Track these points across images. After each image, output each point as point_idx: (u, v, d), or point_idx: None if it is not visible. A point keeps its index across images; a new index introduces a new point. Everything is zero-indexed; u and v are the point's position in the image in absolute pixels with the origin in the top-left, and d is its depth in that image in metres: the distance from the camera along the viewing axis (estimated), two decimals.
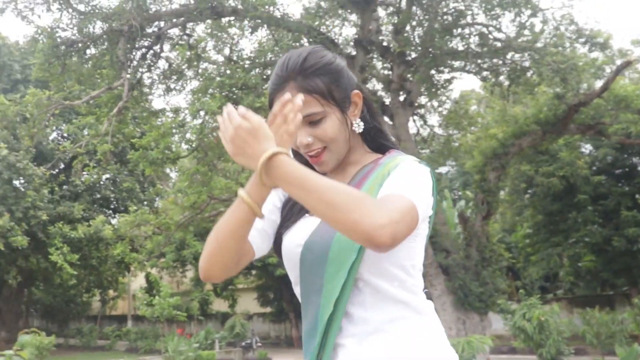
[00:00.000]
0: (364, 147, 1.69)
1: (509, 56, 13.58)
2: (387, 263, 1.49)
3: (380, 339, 1.48)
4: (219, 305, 32.53)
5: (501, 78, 14.46)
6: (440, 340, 1.55)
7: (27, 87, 21.38)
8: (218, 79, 9.31)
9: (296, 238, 1.57)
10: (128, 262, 26.09)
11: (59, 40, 9.25)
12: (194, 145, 10.60)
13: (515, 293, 24.66)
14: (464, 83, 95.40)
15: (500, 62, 14.17)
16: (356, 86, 1.65)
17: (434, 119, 15.22)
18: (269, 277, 27.78)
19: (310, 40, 9.95)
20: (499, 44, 13.28)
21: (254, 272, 28.98)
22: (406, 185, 1.44)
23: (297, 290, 1.62)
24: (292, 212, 1.64)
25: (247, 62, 9.76)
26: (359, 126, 1.63)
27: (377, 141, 1.70)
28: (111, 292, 33.30)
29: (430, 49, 11.90)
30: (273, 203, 1.67)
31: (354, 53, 11.00)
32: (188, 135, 10.01)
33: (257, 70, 9.79)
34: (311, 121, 1.56)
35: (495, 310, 14.72)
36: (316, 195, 1.31)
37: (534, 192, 22.03)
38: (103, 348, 25.26)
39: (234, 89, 9.03)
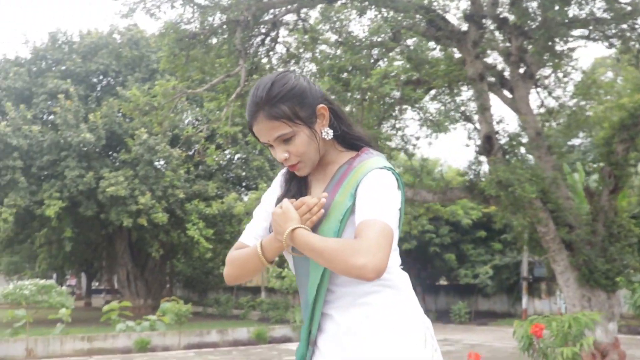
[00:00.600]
0: (338, 147, 1.99)
1: (639, 20, 12.92)
2: None
3: (357, 309, 1.83)
4: None
5: (631, 44, 13.77)
6: (409, 309, 1.88)
7: (162, 76, 22.93)
8: (327, 61, 9.67)
9: None
10: None
11: (182, 33, 10.01)
12: None
13: None
14: (597, 50, 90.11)
15: (629, 27, 13.50)
16: (321, 99, 1.93)
17: (559, 90, 14.76)
18: None
19: (420, 16, 10.08)
20: (627, 8, 12.66)
21: None
22: (376, 205, 1.76)
23: (291, 265, 1.97)
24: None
25: (357, 43, 10.03)
26: (327, 134, 1.93)
27: (348, 142, 1.99)
28: None
29: (548, 19, 11.60)
30: (266, 210, 2.02)
31: (465, 28, 10.94)
32: None
33: (365, 52, 10.05)
34: (284, 139, 1.88)
35: (628, 285, 14.13)
36: (319, 254, 1.73)
37: None
38: (237, 317, 26.71)
39: (343, 71, 9.39)
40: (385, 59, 10.72)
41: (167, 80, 17.16)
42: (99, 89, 27.54)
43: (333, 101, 2.01)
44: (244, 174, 28.10)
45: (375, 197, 1.78)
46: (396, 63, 10.89)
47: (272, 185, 2.09)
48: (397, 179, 1.88)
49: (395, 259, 1.91)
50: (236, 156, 27.85)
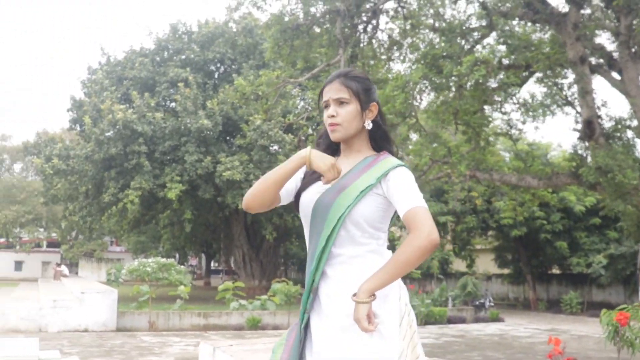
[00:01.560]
0: (368, 143, 2.41)
1: None
2: (362, 219, 2.21)
3: (345, 268, 2.22)
4: (459, 265, 33.03)
5: None
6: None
7: (276, 63, 23.63)
8: (421, 50, 9.76)
9: (311, 196, 2.34)
10: None
11: (286, 24, 10.40)
12: (404, 113, 11.18)
13: None
14: None
15: None
16: (377, 102, 2.39)
17: None
18: (505, 239, 27.62)
19: (520, 0, 9.92)
20: None
21: (490, 232, 28.97)
22: (413, 194, 2.18)
23: (306, 232, 2.37)
24: (310, 178, 2.40)
25: (449, 32, 10.02)
26: (368, 124, 2.36)
27: (379, 142, 2.42)
28: None
29: None
30: (299, 175, 2.45)
31: (565, 10, 10.62)
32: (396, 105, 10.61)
33: (458, 39, 10.02)
34: (340, 102, 2.33)
35: None
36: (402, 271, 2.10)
37: None
38: None
39: (438, 59, 9.45)
40: (480, 45, 10.64)
41: (277, 67, 17.75)
42: (216, 76, 28.77)
43: (383, 112, 2.46)
44: None
45: (410, 189, 2.20)
46: (488, 49, 10.76)
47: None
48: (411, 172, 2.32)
49: (384, 232, 2.32)
50: None
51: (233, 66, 28.02)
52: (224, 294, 18.90)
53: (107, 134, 23.67)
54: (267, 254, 30.43)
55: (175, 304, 18.11)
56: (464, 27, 10.09)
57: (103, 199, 24.90)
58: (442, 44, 9.36)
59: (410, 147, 15.18)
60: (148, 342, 13.71)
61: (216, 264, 54.41)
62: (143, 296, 17.64)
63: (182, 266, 21.71)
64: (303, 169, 2.41)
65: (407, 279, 26.55)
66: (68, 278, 31.35)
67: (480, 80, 9.66)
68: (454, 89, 10.02)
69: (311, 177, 2.41)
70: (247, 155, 24.08)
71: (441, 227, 27.50)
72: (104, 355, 11.36)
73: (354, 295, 2.06)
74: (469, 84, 9.94)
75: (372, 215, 2.22)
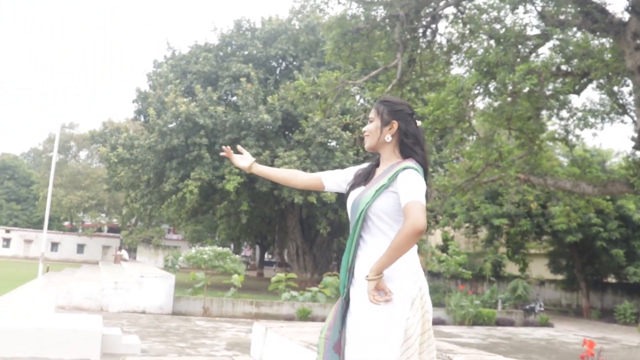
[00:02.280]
0: (395, 152, 3.00)
1: None
2: (380, 212, 2.80)
3: (372, 253, 2.74)
4: (511, 268, 32.81)
5: None
6: (405, 262, 2.70)
7: (336, 63, 24.00)
8: (475, 57, 9.95)
9: (353, 194, 2.98)
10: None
11: (347, 27, 10.76)
12: (458, 117, 11.44)
13: None
14: None
15: None
16: (400, 121, 2.97)
17: None
18: (560, 244, 27.36)
19: (578, 9, 10.01)
20: None
21: (544, 237, 28.70)
22: (411, 190, 2.70)
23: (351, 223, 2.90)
24: (357, 180, 3.03)
25: (504, 41, 10.18)
26: (387, 138, 2.97)
27: (405, 151, 2.95)
28: None
29: None
30: (348, 176, 3.13)
31: (626, 19, 10.62)
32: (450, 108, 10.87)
33: (513, 48, 10.18)
34: (370, 120, 3.03)
35: None
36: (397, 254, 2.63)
37: None
38: None
39: (492, 66, 9.64)
40: (534, 54, 10.76)
41: (337, 67, 18.12)
42: (277, 72, 29.35)
43: (411, 127, 3.00)
44: None
45: (411, 186, 2.72)
46: (543, 58, 10.87)
47: (357, 167, 3.19)
48: (419, 174, 2.81)
49: (400, 222, 2.80)
50: None
51: (294, 63, 28.56)
52: (277, 284, 19.42)
53: (170, 126, 24.53)
54: (320, 247, 30.87)
55: (229, 291, 18.72)
56: (519, 36, 10.24)
57: (163, 188, 25.81)
58: (497, 52, 9.55)
59: (466, 149, 15.38)
60: (202, 326, 14.31)
61: (269, 256, 55.29)
62: (199, 283, 18.30)
63: (236, 256, 22.36)
64: (354, 169, 3.11)
65: (459, 279, 26.67)
66: (127, 262, 32.50)
67: (533, 89, 9.82)
68: (508, 96, 10.20)
69: (358, 178, 3.03)
70: (305, 150, 24.56)
71: (495, 229, 27.46)
72: (161, 336, 11.96)
73: (366, 275, 2.63)
74: (523, 91, 10.11)
75: (387, 208, 2.78)
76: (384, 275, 2.63)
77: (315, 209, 26.47)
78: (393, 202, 2.78)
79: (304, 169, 23.77)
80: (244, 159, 3.40)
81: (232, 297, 18.31)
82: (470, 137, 15.08)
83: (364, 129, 3.05)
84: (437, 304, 22.58)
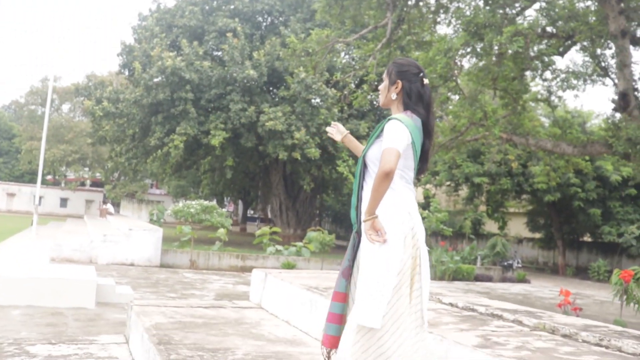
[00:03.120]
0: (399, 109, 3.27)
1: None
2: (374, 158, 3.15)
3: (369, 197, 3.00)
4: (491, 226, 33.46)
5: None
6: (398, 204, 3.01)
7: (324, 20, 23.98)
8: (464, 17, 10.10)
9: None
10: None
11: None
12: (445, 76, 11.61)
13: None
14: None
15: None
16: (405, 81, 3.23)
17: None
18: (538, 203, 27.92)
19: None
20: None
21: (524, 196, 29.25)
22: (386, 139, 2.98)
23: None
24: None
25: (492, 2, 10.35)
26: (393, 96, 3.25)
27: (409, 107, 3.21)
28: None
29: None
30: None
31: None
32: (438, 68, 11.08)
33: (499, 10, 10.35)
34: (382, 79, 3.36)
35: None
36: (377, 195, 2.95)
37: None
38: None
39: (480, 28, 9.80)
40: (521, 17, 10.94)
41: (325, 25, 18.13)
42: (263, 27, 29.21)
43: (415, 86, 3.25)
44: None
45: (387, 135, 3.00)
46: (530, 20, 11.05)
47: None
48: (403, 124, 3.04)
49: (400, 175, 3.09)
50: None
51: (281, 18, 28.43)
52: (261, 238, 19.77)
53: (156, 80, 24.47)
54: (303, 203, 31.14)
55: (215, 245, 19.05)
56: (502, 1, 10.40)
57: (149, 142, 25.86)
58: (485, 13, 9.72)
59: (450, 107, 15.62)
60: (190, 278, 14.64)
61: (252, 212, 55.65)
62: (185, 236, 18.61)
63: (223, 210, 22.63)
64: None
65: (439, 236, 27.20)
66: (113, 216, 32.68)
67: (520, 51, 10.03)
68: (494, 56, 10.40)
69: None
70: (290, 106, 24.65)
71: (476, 188, 27.94)
72: (151, 286, 12.28)
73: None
74: (509, 52, 10.31)
75: (379, 155, 3.02)
76: (378, 215, 2.92)
77: (299, 165, 26.69)
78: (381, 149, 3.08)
79: (289, 125, 23.91)
80: (339, 133, 3.65)
81: (218, 250, 18.64)
82: (456, 96, 15.33)
83: (380, 87, 3.37)
84: None
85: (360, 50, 12.64)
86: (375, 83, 11.87)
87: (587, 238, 29.84)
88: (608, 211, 25.16)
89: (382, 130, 3.09)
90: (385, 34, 10.29)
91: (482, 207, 30.79)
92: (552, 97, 14.43)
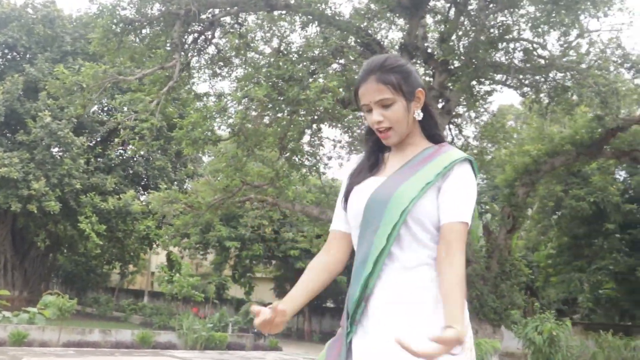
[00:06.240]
0: (421, 133, 2.16)
1: (551, 74, 13.63)
2: (425, 217, 1.97)
3: (407, 276, 1.94)
4: (235, 291, 32.96)
5: (541, 95, 14.48)
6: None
7: (75, 59, 22.03)
8: (265, 69, 9.60)
9: (364, 191, 2.06)
10: (153, 238, 26.69)
11: (118, 18, 9.63)
12: (236, 130, 10.90)
13: (531, 311, 24.58)
14: (503, 97, 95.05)
15: (542, 79, 14.19)
16: (421, 86, 2.11)
17: (469, 130, 15.25)
18: (288, 269, 28.08)
19: (358, 40, 10.21)
20: (542, 62, 13.33)
21: (273, 262, 29.31)
22: (464, 203, 1.98)
23: (355, 235, 2.06)
24: (360, 175, 2.14)
25: (295, 55, 10.03)
26: (419, 115, 2.11)
27: (430, 131, 2.16)
28: (131, 267, 33.88)
29: (473, 60, 12.04)
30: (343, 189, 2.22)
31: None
32: (231, 120, 10.34)
33: (304, 64, 10.05)
34: (383, 105, 2.05)
35: (509, 325, 14.73)
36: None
37: (561, 214, 21.57)
38: (118, 319, 25.79)
39: (280, 80, 9.34)
40: (322, 74, 10.75)
41: (81, 64, 16.46)
42: (2, 63, 26.04)
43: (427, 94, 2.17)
44: (144, 172, 27.29)
45: (465, 194, 2.00)
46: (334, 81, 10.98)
47: (347, 168, 2.28)
48: (474, 168, 2.09)
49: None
50: (138, 153, 26.94)
51: (27, 55, 25.54)
52: None
53: None
54: (34, 262, 27.91)
55: None
56: (308, 54, 10.10)
57: None
58: (288, 66, 9.24)
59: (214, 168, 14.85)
60: None
61: None
62: None
63: None
64: (352, 166, 2.24)
65: (190, 302, 25.82)
66: None
67: (329, 109, 9.65)
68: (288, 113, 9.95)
69: (361, 172, 2.16)
70: (29, 153, 21.95)
71: (226, 251, 27.31)
72: None
73: (446, 327, 1.76)
74: (312, 109, 9.92)
75: (433, 212, 1.98)
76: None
77: (34, 218, 23.72)
78: (437, 204, 2.00)
79: (26, 174, 21.22)
80: (270, 314, 2.00)
81: None
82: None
83: (376, 120, 2.07)
84: (163, 326, 21.59)
85: (141, 93, 11.35)
86: (156, 129, 10.62)
87: (329, 304, 30.68)
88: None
89: (441, 176, 2.00)
90: (174, 77, 9.28)
91: (226, 272, 30.30)
92: (319, 164, 14.43)
